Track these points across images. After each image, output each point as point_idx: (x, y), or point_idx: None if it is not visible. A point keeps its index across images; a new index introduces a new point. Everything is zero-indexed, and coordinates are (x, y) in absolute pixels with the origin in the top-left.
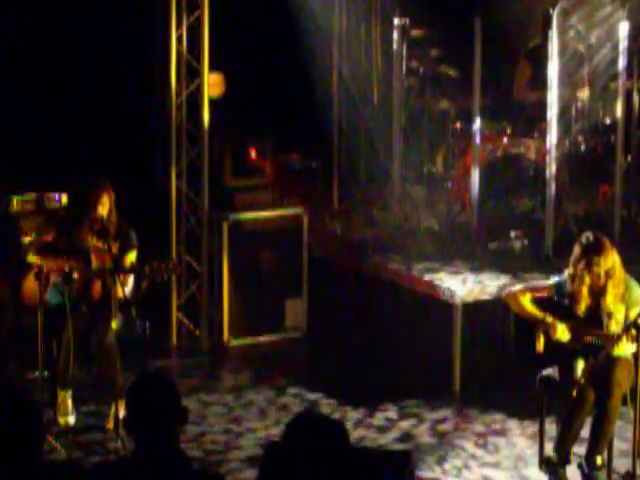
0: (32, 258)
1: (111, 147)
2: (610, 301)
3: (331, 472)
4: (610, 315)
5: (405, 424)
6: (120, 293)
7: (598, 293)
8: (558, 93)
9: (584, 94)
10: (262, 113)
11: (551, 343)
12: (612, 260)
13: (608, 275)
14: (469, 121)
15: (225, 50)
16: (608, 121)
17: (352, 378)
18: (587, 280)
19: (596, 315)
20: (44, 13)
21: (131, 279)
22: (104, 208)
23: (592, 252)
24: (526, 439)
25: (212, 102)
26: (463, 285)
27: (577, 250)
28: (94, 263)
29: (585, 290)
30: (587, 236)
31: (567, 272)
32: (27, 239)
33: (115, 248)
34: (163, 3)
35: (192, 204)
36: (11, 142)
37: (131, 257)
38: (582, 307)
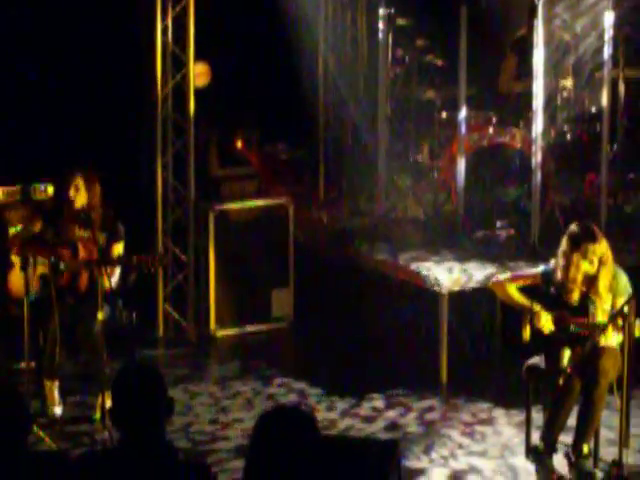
0: (18, 251)
1: (97, 138)
2: (602, 288)
3: (301, 462)
4: (598, 305)
5: (392, 413)
6: (107, 284)
7: (588, 282)
8: (544, 82)
9: (568, 83)
10: (248, 103)
11: (537, 332)
12: (605, 247)
13: (601, 262)
14: (455, 110)
15: (210, 40)
16: (594, 110)
17: (339, 368)
18: (582, 268)
19: (584, 304)
20: (29, 6)
21: (118, 270)
22: (79, 194)
23: (586, 240)
24: (513, 428)
25: (198, 92)
26: (449, 274)
27: (567, 240)
28: (81, 254)
29: (580, 277)
30: (578, 225)
31: (554, 262)
32: (12, 230)
33: (102, 239)
34: None
35: (178, 194)
36: None
37: (118, 248)
38: (575, 296)
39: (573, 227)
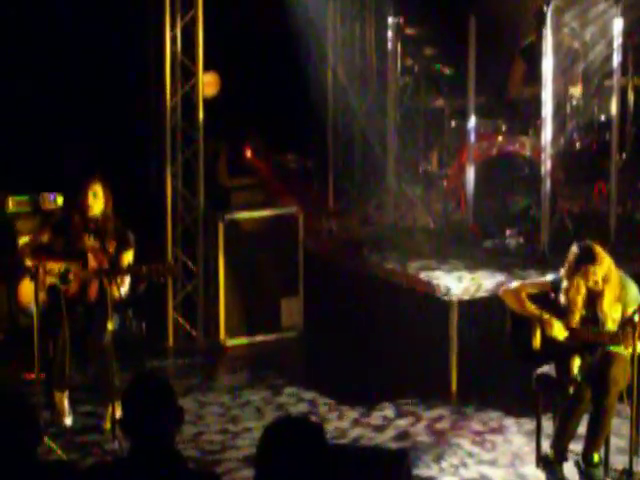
0: (29, 260)
1: (107, 148)
2: (607, 305)
3: (310, 472)
4: (606, 316)
5: (402, 422)
6: (116, 293)
7: (594, 297)
8: (552, 90)
9: (577, 91)
10: (257, 113)
11: (548, 340)
12: (607, 265)
13: (605, 281)
14: (464, 119)
15: (219, 50)
16: (603, 118)
17: (349, 377)
18: (583, 290)
19: (593, 313)
20: (40, 16)
21: (127, 279)
22: (97, 201)
23: (586, 262)
24: (523, 437)
25: (207, 102)
26: (459, 283)
27: (569, 261)
28: (91, 263)
29: (581, 300)
30: (579, 245)
31: (562, 271)
32: (22, 240)
33: (112, 248)
34: (157, 4)
35: (188, 204)
36: (6, 143)
37: (128, 257)
38: (576, 317)
39: (574, 248)
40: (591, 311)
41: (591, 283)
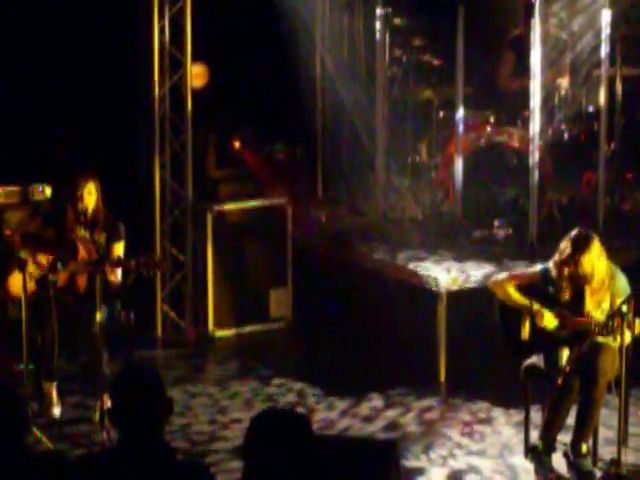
0: (18, 250)
1: (94, 138)
2: (597, 282)
3: (297, 463)
4: (596, 304)
5: (391, 413)
6: (114, 280)
7: (584, 283)
8: (541, 81)
9: (565, 82)
10: (245, 103)
11: (536, 331)
12: (597, 252)
13: (595, 269)
14: (453, 110)
15: (208, 40)
16: (591, 109)
17: (338, 368)
18: (573, 277)
19: (581, 303)
20: (26, 6)
21: (119, 271)
22: (91, 197)
23: (578, 252)
24: (512, 427)
25: (195, 93)
26: (447, 274)
27: (560, 251)
28: (81, 254)
29: (570, 290)
30: (569, 237)
31: (551, 261)
32: (9, 231)
33: (102, 239)
34: None
35: (176, 195)
36: None
37: (118, 248)
38: (566, 295)
39: (566, 239)
40: (580, 298)
41: (579, 272)
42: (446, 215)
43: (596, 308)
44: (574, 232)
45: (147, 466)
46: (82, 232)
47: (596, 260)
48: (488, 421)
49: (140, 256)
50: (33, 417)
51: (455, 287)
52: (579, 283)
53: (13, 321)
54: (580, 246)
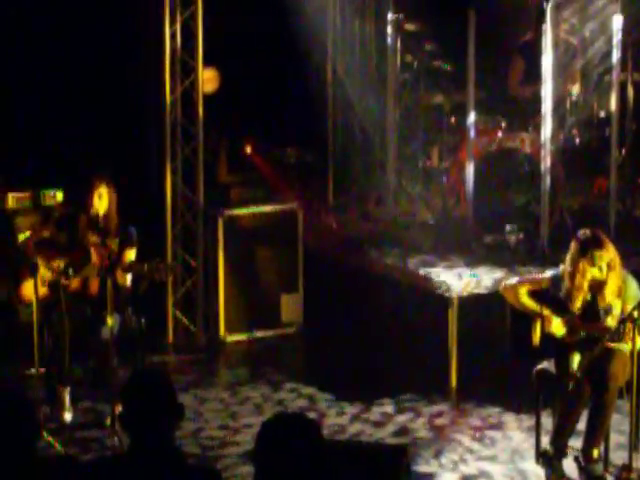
0: (31, 255)
1: (106, 143)
2: (609, 293)
3: (308, 468)
4: (608, 311)
5: (402, 418)
6: (125, 283)
7: (596, 288)
8: (552, 87)
9: (576, 88)
10: (257, 108)
11: (547, 336)
12: (613, 252)
13: (610, 267)
14: (464, 115)
15: (219, 46)
16: (602, 114)
17: (348, 373)
18: (588, 275)
19: (593, 309)
20: (39, 12)
21: (129, 276)
22: (102, 201)
23: (592, 246)
24: (522, 432)
25: (206, 98)
26: (459, 279)
27: (575, 246)
28: (93, 259)
29: (586, 285)
30: (585, 232)
31: (562, 267)
32: (23, 235)
33: (114, 245)
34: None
35: (187, 200)
36: (6, 139)
37: (130, 254)
38: (578, 304)
39: (580, 233)
40: (591, 304)
41: (596, 270)
42: (457, 220)
43: (608, 314)
44: (581, 233)
45: (158, 471)
46: (94, 237)
47: (612, 255)
48: (499, 426)
49: (152, 261)
50: (45, 421)
51: (466, 292)
52: (596, 284)
53: (25, 325)
54: (593, 242)
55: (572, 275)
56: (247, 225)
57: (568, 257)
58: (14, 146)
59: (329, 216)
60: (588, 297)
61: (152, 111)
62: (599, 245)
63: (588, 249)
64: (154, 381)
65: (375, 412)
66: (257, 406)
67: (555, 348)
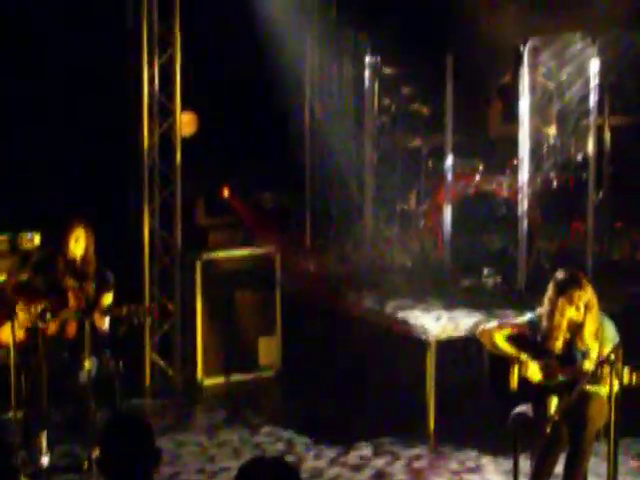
0: (9, 299)
1: (84, 187)
2: (588, 335)
3: None
4: (585, 354)
5: (380, 462)
6: (103, 326)
7: (574, 330)
8: (529, 130)
9: (552, 131)
10: (234, 152)
11: (525, 380)
12: (591, 293)
13: (587, 308)
14: (441, 158)
15: (197, 89)
16: (580, 157)
17: (326, 416)
18: (567, 313)
19: (570, 353)
20: (15, 52)
21: (107, 320)
22: (78, 244)
23: (572, 285)
24: (500, 476)
25: (184, 141)
26: (436, 322)
27: (553, 286)
28: (71, 303)
29: (565, 323)
30: (564, 271)
31: (539, 310)
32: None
33: (91, 289)
34: (134, 42)
35: (165, 243)
36: None
37: (107, 298)
38: (560, 343)
39: (559, 273)
40: (569, 346)
41: (573, 309)
42: (435, 263)
43: (586, 358)
44: (560, 273)
45: None
46: (72, 281)
47: (590, 296)
48: (477, 469)
49: (131, 304)
50: (22, 466)
51: (444, 336)
52: (573, 326)
53: (2, 369)
54: (573, 281)
55: (551, 314)
56: (225, 268)
57: (546, 298)
58: None
59: (307, 259)
60: (567, 336)
61: (130, 154)
62: (578, 285)
63: (567, 288)
64: (132, 425)
65: (353, 455)
66: (235, 450)
67: (532, 392)
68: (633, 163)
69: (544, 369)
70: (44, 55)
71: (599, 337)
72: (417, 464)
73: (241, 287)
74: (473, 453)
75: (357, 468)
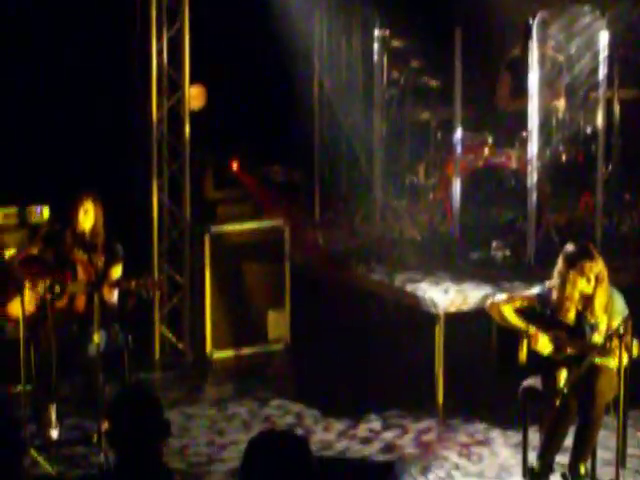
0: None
1: (92, 160)
2: (598, 307)
3: None
4: (594, 327)
5: (389, 435)
6: (111, 299)
7: (584, 302)
8: (539, 103)
9: (561, 104)
10: (243, 125)
11: (534, 353)
12: (602, 265)
13: (598, 280)
14: (450, 131)
15: (206, 62)
16: (589, 130)
17: (335, 389)
18: (579, 286)
19: (580, 325)
20: (26, 23)
21: (115, 293)
22: (88, 217)
23: (583, 257)
24: (509, 449)
25: (193, 114)
26: (445, 295)
27: (564, 259)
28: (80, 276)
29: (577, 295)
30: (575, 244)
31: (549, 283)
32: (8, 253)
33: (100, 262)
34: (143, 16)
35: (174, 217)
36: None
37: (117, 270)
38: (571, 315)
39: (570, 246)
40: (579, 319)
41: (584, 282)
42: (444, 237)
43: (595, 330)
44: (570, 246)
45: None
46: (81, 254)
47: (601, 268)
48: (486, 442)
49: (139, 277)
50: (31, 439)
51: (453, 309)
52: (582, 301)
53: (11, 343)
54: (584, 253)
55: (562, 286)
56: (234, 242)
57: (556, 271)
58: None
59: (316, 233)
60: (580, 307)
61: (139, 128)
62: (589, 256)
63: (578, 260)
64: (141, 398)
65: (362, 428)
66: (244, 423)
67: (542, 365)
68: None
69: (553, 342)
70: (52, 27)
71: (608, 310)
72: (426, 437)
73: (250, 260)
74: (482, 426)
75: (366, 441)
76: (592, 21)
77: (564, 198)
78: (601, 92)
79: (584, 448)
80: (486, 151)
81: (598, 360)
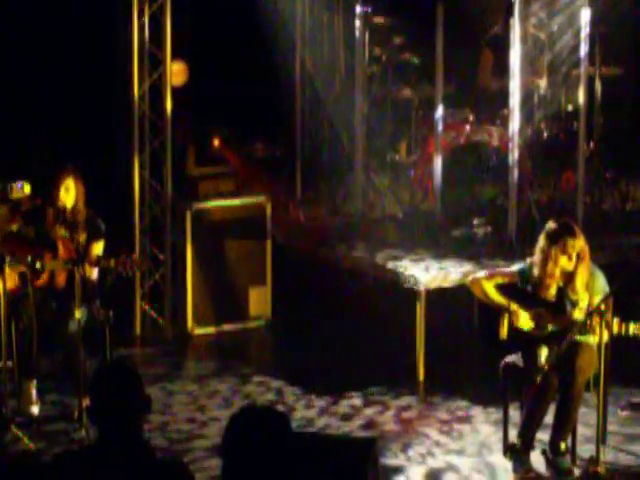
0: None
1: (73, 136)
2: (580, 284)
3: (276, 461)
4: (575, 303)
5: (369, 411)
6: (92, 276)
7: (565, 279)
8: (520, 80)
9: (543, 82)
10: (225, 101)
11: (515, 330)
12: (583, 242)
13: (579, 258)
14: (432, 109)
15: (187, 38)
16: (570, 108)
17: (316, 366)
18: (560, 262)
19: (561, 302)
20: (7, 3)
21: (96, 270)
22: (69, 193)
23: (565, 234)
24: (490, 426)
25: (175, 91)
26: (426, 272)
27: (545, 236)
28: (61, 253)
29: (558, 272)
30: (557, 221)
31: (530, 260)
32: None
33: (82, 238)
34: None
35: (155, 193)
36: None
37: (98, 247)
38: (552, 291)
39: (551, 223)
40: (560, 296)
41: (565, 259)
42: (425, 214)
43: (576, 305)
44: (552, 223)
45: (126, 464)
46: (62, 231)
47: (582, 245)
48: (467, 419)
49: (119, 256)
50: (12, 415)
51: (434, 285)
52: (563, 278)
53: None
54: (566, 230)
55: (543, 263)
56: (215, 218)
57: (537, 247)
58: None
59: (297, 210)
60: (561, 284)
61: (120, 104)
62: (571, 234)
63: (560, 237)
64: (121, 374)
65: (343, 405)
66: (225, 399)
67: (522, 342)
68: (624, 113)
69: (534, 318)
70: (34, 4)
71: (590, 287)
72: (407, 414)
73: (231, 237)
74: (463, 403)
75: (347, 417)
76: None
77: (546, 175)
78: (582, 70)
79: (564, 425)
80: (467, 128)
81: (579, 337)
